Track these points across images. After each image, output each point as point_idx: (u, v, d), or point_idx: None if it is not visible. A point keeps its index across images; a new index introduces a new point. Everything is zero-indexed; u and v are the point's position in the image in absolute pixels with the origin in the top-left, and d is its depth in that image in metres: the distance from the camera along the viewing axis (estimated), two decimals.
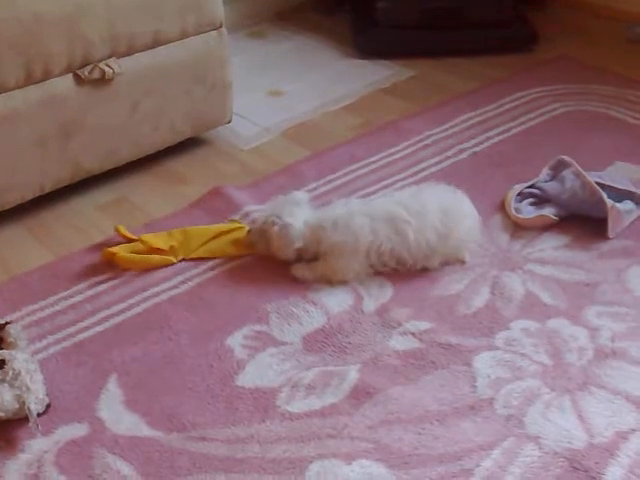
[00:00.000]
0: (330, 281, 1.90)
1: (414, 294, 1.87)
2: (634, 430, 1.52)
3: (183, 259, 1.98)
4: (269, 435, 1.54)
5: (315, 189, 2.25)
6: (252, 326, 1.79)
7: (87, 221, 2.16)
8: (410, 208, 1.90)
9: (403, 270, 1.92)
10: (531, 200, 2.15)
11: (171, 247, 1.98)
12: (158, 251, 1.97)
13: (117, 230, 2.02)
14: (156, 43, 2.21)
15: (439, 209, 1.91)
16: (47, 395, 1.59)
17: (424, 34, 2.98)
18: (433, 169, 2.32)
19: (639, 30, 3.01)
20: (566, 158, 2.18)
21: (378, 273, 1.92)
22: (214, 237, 2.02)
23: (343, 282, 1.89)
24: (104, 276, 1.94)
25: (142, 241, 1.98)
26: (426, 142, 2.46)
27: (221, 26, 2.34)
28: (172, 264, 1.97)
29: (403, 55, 2.98)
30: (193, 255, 1.99)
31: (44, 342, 1.76)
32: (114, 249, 1.96)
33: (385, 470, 1.47)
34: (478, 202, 2.03)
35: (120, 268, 1.96)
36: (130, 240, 2.00)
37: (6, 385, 1.53)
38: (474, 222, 1.98)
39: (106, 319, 1.82)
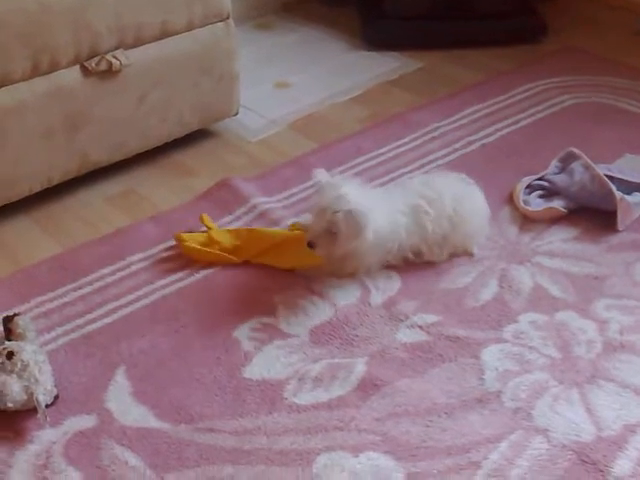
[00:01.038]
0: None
1: (422, 287, 1.87)
2: None
3: (246, 261, 1.94)
4: (276, 427, 1.54)
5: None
6: (259, 318, 1.79)
7: (95, 213, 2.16)
8: (428, 197, 1.88)
9: (418, 260, 1.91)
10: (540, 192, 2.14)
11: (235, 246, 1.94)
12: (220, 248, 1.94)
13: (201, 219, 2.00)
14: (163, 34, 2.20)
15: (453, 197, 1.89)
16: (55, 386, 1.59)
17: (432, 25, 2.96)
18: (441, 161, 2.32)
19: None
20: (575, 150, 2.17)
21: (387, 266, 1.91)
22: (280, 243, 1.95)
23: (353, 275, 1.89)
24: (112, 268, 1.94)
25: (209, 235, 1.96)
26: (434, 134, 2.45)
27: (228, 17, 2.33)
28: (234, 263, 1.93)
29: (411, 47, 2.96)
30: (258, 260, 1.93)
31: (52, 334, 1.76)
32: (185, 237, 1.95)
33: (392, 462, 1.47)
34: (487, 194, 2.02)
35: (137, 259, 1.96)
36: (204, 231, 1.99)
37: (15, 376, 1.54)
38: (485, 215, 1.97)
39: (114, 311, 1.83)
